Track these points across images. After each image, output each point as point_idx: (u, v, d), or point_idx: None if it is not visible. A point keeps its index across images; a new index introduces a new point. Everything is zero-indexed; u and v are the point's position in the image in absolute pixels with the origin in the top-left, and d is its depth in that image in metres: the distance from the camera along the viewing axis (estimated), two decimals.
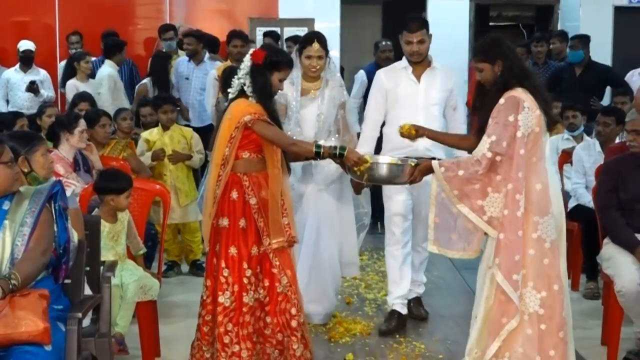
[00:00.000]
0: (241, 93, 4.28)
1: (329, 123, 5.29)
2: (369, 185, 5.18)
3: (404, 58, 5.32)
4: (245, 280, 4.21)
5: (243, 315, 4.20)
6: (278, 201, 4.24)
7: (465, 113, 5.38)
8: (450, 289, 6.11)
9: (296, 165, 5.00)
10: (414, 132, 4.45)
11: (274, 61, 4.26)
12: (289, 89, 5.19)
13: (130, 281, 4.63)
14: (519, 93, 3.91)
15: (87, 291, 3.94)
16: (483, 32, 11.46)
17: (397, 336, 5.25)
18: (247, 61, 4.28)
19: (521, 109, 3.85)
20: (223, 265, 4.21)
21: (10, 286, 3.21)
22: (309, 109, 5.29)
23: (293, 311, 4.25)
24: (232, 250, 4.22)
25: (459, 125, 5.33)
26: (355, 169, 4.28)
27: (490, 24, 12.65)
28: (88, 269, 3.94)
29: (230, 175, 4.24)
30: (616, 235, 4.85)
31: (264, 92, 4.26)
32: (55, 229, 3.51)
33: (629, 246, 4.71)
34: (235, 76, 4.33)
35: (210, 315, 4.28)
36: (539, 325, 3.91)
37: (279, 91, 4.63)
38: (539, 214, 3.91)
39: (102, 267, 4.14)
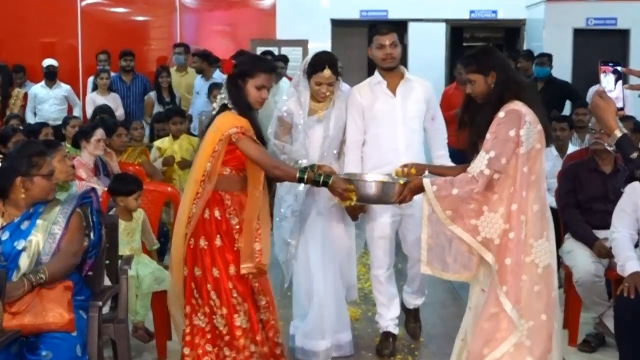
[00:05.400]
0: (224, 107, 3.72)
1: (335, 145, 4.57)
2: (365, 211, 4.56)
3: (375, 73, 4.61)
4: (234, 301, 3.62)
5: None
6: (253, 225, 3.63)
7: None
8: (428, 278, 6.10)
9: (298, 190, 4.47)
10: (414, 172, 3.71)
11: (243, 70, 3.67)
12: (297, 110, 4.47)
13: (145, 273, 4.61)
14: (520, 106, 3.24)
15: (107, 282, 3.94)
16: (458, 51, 11.55)
17: None
18: (224, 75, 3.81)
19: (523, 124, 3.19)
20: (209, 287, 3.62)
21: (38, 279, 3.21)
22: (315, 130, 4.51)
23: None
24: (215, 272, 3.63)
25: (439, 134, 4.69)
26: (342, 201, 3.83)
27: (464, 44, 12.67)
28: (107, 262, 3.94)
29: (211, 193, 3.63)
30: (576, 231, 4.85)
31: (241, 103, 3.67)
32: (93, 231, 3.51)
33: (587, 241, 4.71)
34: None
35: (188, 348, 3.67)
36: (525, 358, 3.23)
37: (286, 111, 4.44)
38: (534, 237, 3.28)
39: (119, 261, 4.14)
